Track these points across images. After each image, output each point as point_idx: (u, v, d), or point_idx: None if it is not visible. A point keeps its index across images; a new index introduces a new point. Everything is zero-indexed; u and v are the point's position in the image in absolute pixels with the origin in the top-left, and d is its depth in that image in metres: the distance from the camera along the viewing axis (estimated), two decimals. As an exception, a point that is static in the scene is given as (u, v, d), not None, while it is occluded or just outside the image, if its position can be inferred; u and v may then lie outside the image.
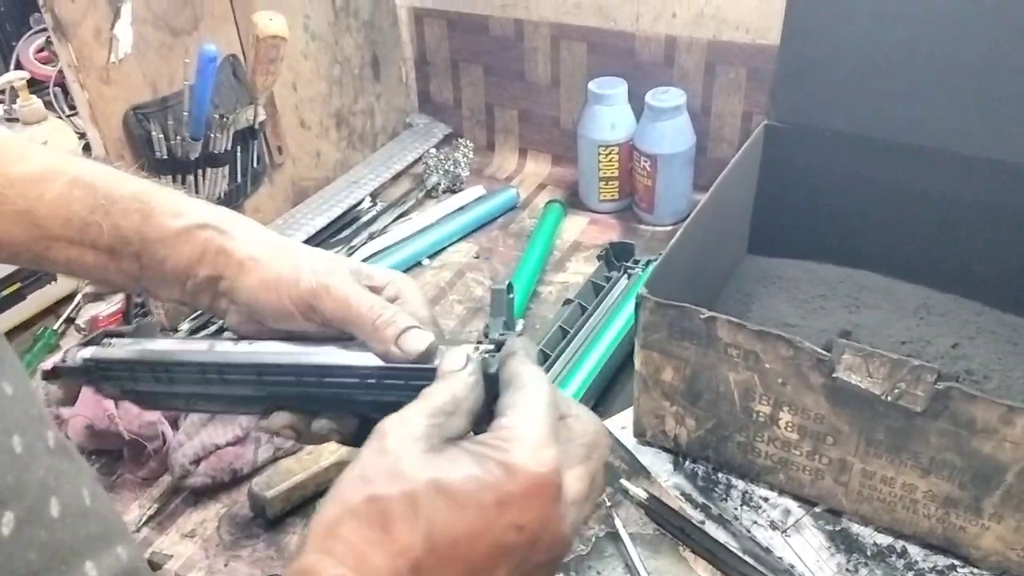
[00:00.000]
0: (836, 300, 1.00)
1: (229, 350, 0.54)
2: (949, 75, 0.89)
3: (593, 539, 0.77)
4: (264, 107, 1.05)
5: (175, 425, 0.87)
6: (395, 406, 0.42)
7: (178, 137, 0.95)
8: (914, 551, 0.75)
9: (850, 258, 1.04)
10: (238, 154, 1.03)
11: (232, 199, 1.05)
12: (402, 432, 0.40)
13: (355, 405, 0.52)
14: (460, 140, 1.32)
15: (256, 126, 1.04)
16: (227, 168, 1.02)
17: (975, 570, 0.73)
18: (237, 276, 0.54)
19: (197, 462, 0.83)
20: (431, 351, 0.48)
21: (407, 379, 0.48)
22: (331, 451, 0.83)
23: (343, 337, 0.53)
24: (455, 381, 0.43)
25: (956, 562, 0.74)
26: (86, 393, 0.85)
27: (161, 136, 0.94)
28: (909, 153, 0.95)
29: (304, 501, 0.82)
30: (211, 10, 1.00)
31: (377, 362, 0.49)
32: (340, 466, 0.83)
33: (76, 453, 0.35)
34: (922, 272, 1.00)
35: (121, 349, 0.57)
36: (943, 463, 0.69)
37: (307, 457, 0.83)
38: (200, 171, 0.99)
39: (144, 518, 0.83)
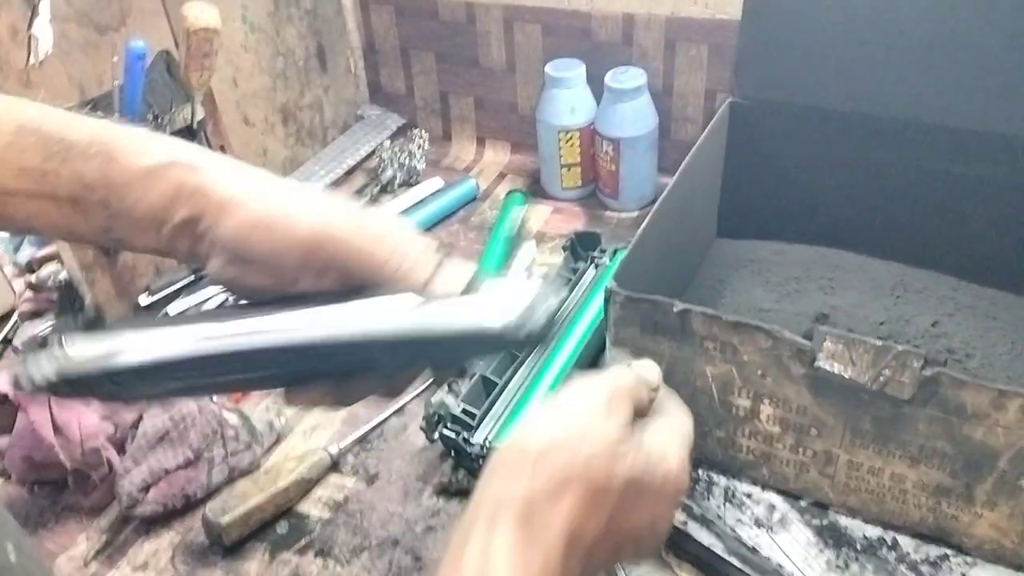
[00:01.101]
0: (810, 282, 0.97)
1: (244, 331, 0.46)
2: (916, 45, 0.86)
3: (571, 548, 0.73)
4: (203, 105, 0.99)
5: (121, 449, 0.82)
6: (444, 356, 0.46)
7: (110, 141, 0.88)
8: (905, 542, 0.72)
9: (823, 237, 1.00)
10: (177, 156, 0.97)
11: (174, 204, 0.99)
12: (614, 427, 0.44)
13: (395, 367, 0.49)
14: (414, 131, 1.26)
15: (195, 125, 0.98)
16: (166, 172, 0.96)
17: (968, 559, 0.70)
18: (218, 218, 0.48)
19: (146, 489, 0.78)
20: (474, 285, 0.46)
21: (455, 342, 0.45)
22: (289, 470, 0.78)
23: (346, 288, 0.46)
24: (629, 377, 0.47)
25: (949, 552, 0.71)
26: (21, 420, 0.80)
27: (91, 141, 0.88)
28: (879, 126, 0.92)
29: (263, 524, 0.77)
30: (140, 4, 0.93)
31: (420, 324, 0.44)
32: (300, 485, 0.79)
33: (38, 564, 0.31)
34: (897, 248, 0.97)
35: (132, 352, 0.47)
36: (933, 451, 0.66)
37: (264, 477, 0.78)
38: (137, 176, 0.93)
39: (93, 551, 0.77)
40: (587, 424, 0.42)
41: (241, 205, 0.48)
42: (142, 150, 0.48)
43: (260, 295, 0.52)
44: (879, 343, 0.64)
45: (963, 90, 0.86)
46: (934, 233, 0.95)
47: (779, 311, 0.91)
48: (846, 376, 0.66)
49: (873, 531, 0.73)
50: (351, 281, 0.47)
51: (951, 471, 0.66)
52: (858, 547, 0.72)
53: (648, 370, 0.49)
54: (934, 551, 0.71)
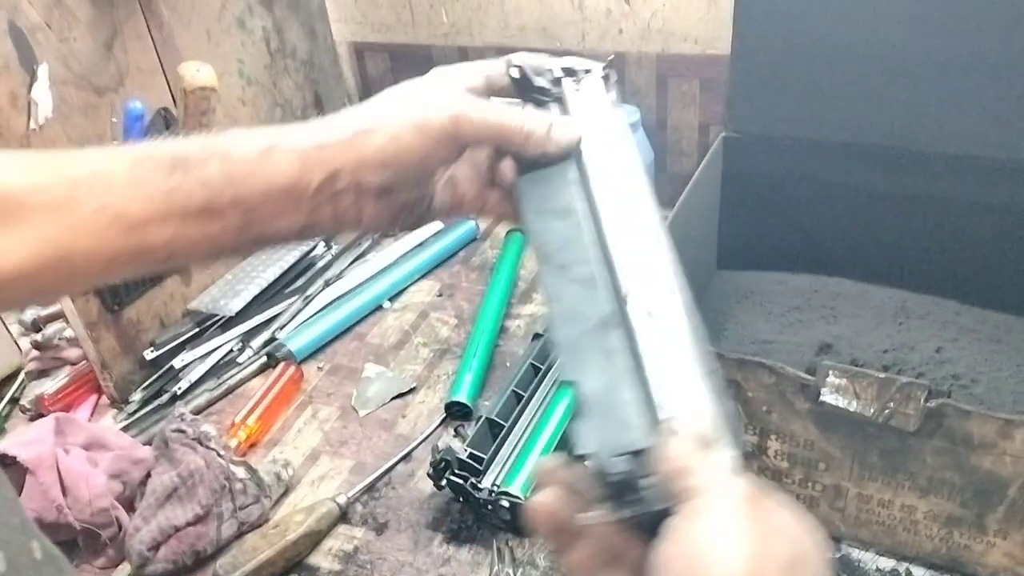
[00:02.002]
0: (812, 311, 0.97)
1: None
2: (907, 73, 0.87)
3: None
4: (202, 159, 1.00)
5: (131, 508, 0.82)
6: None
7: (111, 200, 0.89)
8: (919, 573, 0.72)
9: (822, 266, 1.01)
10: (178, 211, 0.98)
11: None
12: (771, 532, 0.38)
13: None
14: (413, 174, 1.27)
15: (195, 180, 0.99)
16: (167, 227, 0.97)
17: (984, 589, 0.70)
18: (356, 157, 0.49)
19: (157, 547, 0.78)
20: (577, 142, 0.50)
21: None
22: (298, 523, 0.78)
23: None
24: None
25: (964, 582, 0.70)
26: (30, 482, 0.80)
27: (93, 200, 0.89)
28: (873, 154, 0.92)
29: (273, 579, 0.77)
30: (137, 64, 0.95)
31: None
32: (310, 537, 0.78)
33: (65, 562, 0.31)
34: (897, 275, 0.97)
35: None
36: (942, 482, 0.66)
37: (273, 532, 0.78)
38: (139, 233, 0.94)
39: (104, 612, 0.77)
40: (744, 541, 0.36)
41: (366, 133, 0.50)
42: (251, 140, 0.49)
43: (414, 219, 0.55)
44: (883, 376, 0.64)
45: (955, 116, 0.87)
46: (934, 258, 0.96)
47: (782, 342, 0.92)
48: (851, 410, 0.65)
49: (887, 563, 0.73)
50: (497, 149, 0.52)
51: (961, 501, 0.66)
52: (872, 580, 0.72)
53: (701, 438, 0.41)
54: (949, 582, 0.71)
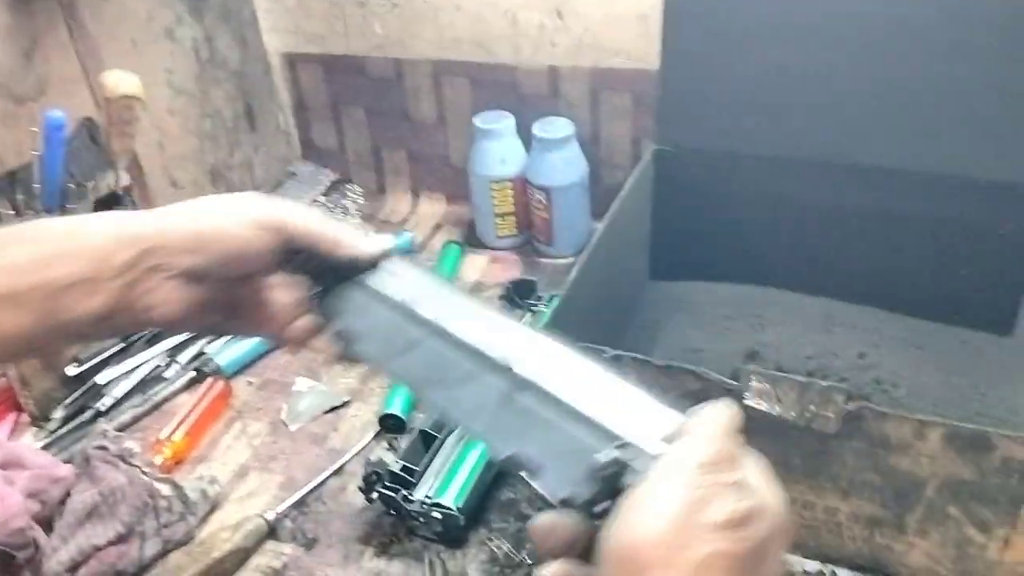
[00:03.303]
0: (741, 320, 0.98)
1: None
2: (833, 88, 0.89)
3: (516, 602, 0.73)
4: (128, 170, 0.98)
5: (49, 528, 0.79)
6: None
7: (30, 211, 0.87)
8: (844, 574, 0.73)
9: (752, 275, 1.03)
10: (102, 223, 0.96)
11: (100, 272, 0.97)
12: (722, 478, 0.38)
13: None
14: (348, 186, 1.27)
15: (120, 191, 0.97)
16: (91, 239, 0.94)
17: (906, 588, 0.71)
18: (167, 238, 0.49)
19: (75, 568, 0.75)
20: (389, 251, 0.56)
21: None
22: (224, 540, 0.76)
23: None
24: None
25: (886, 582, 0.72)
26: (-58, 505, 0.77)
27: (11, 212, 0.86)
28: (798, 167, 0.94)
29: (199, 598, 0.75)
30: (59, 74, 0.93)
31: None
32: (236, 555, 0.77)
33: None
34: (824, 284, 0.99)
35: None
36: (863, 483, 0.67)
37: (198, 550, 0.76)
38: (60, 245, 0.91)
39: (20, 638, 0.74)
40: (696, 498, 0.37)
41: (186, 216, 0.51)
42: (64, 221, 0.49)
43: (220, 323, 0.56)
44: (803, 380, 0.65)
45: (880, 129, 0.89)
46: (860, 268, 0.98)
47: (711, 350, 0.93)
48: (773, 413, 0.67)
49: (812, 565, 0.74)
50: (313, 257, 0.54)
51: (881, 501, 0.68)
52: (799, 583, 0.73)
53: (721, 414, 0.42)
54: (872, 582, 0.72)
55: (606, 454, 0.39)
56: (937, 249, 0.93)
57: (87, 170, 0.93)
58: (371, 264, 0.56)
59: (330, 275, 0.56)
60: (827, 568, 0.74)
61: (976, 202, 0.89)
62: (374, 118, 1.27)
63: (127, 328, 0.53)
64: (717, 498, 0.37)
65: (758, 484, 0.39)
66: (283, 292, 0.57)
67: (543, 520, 0.41)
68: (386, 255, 0.56)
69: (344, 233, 0.55)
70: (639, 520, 0.37)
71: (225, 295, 0.54)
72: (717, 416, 0.41)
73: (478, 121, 1.13)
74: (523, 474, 0.44)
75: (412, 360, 0.51)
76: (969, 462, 0.62)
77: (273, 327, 0.58)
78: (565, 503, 0.41)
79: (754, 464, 0.41)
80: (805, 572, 0.73)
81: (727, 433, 0.40)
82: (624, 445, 0.40)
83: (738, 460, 0.39)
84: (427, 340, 0.51)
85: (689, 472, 0.38)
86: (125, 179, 0.97)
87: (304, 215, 0.53)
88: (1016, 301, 0.92)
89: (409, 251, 1.20)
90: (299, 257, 0.55)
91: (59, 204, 0.89)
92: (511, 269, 1.16)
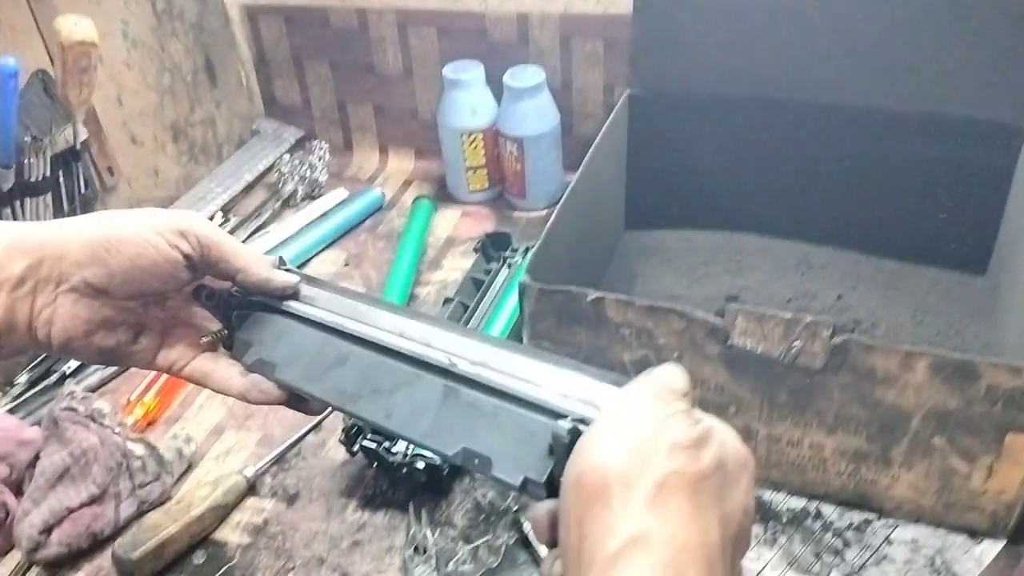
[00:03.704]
0: (718, 266, 0.98)
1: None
2: (806, 29, 0.88)
3: (503, 548, 0.72)
4: (86, 125, 0.94)
5: (19, 491, 0.77)
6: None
7: (-16, 167, 0.83)
8: (828, 511, 0.73)
9: (728, 222, 1.02)
10: (60, 180, 0.92)
11: (61, 230, 0.94)
12: (674, 404, 0.38)
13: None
14: (314, 142, 1.24)
15: (78, 147, 0.93)
16: (49, 196, 0.91)
17: (890, 521, 0.72)
18: (61, 247, 0.47)
19: (49, 530, 0.73)
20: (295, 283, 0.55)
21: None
22: (202, 497, 0.75)
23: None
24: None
25: (871, 516, 0.72)
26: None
27: (-36, 168, 0.83)
28: (774, 109, 0.94)
29: (178, 556, 0.73)
30: (8, 21, 0.88)
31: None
32: (216, 512, 0.75)
33: None
34: (799, 228, 0.99)
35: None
36: (848, 418, 0.68)
37: (176, 508, 0.74)
38: (18, 203, 0.88)
39: (-7, 603, 0.72)
40: (653, 424, 0.36)
41: (84, 226, 0.48)
42: None
43: (125, 345, 0.53)
44: (789, 316, 0.65)
45: (855, 69, 0.89)
46: (834, 211, 0.98)
47: (690, 296, 0.93)
48: (759, 351, 0.66)
49: (797, 503, 0.74)
50: (215, 266, 0.51)
51: (867, 435, 0.68)
52: (784, 520, 0.73)
53: (672, 375, 0.41)
54: (857, 516, 0.73)
55: (564, 424, 0.39)
56: (911, 190, 0.94)
57: (43, 125, 0.90)
58: (282, 292, 0.54)
59: (243, 307, 0.55)
60: (812, 505, 0.74)
61: (950, 141, 0.90)
62: (338, 72, 1.24)
63: (22, 346, 0.50)
64: (672, 421, 0.37)
65: (710, 417, 0.39)
66: (193, 322, 0.55)
67: (539, 510, 0.40)
68: (298, 285, 0.55)
69: (255, 254, 0.53)
70: (596, 446, 0.37)
71: (130, 316, 0.52)
72: (665, 370, 0.40)
73: (447, 71, 1.10)
74: (475, 469, 0.42)
75: (342, 375, 0.50)
76: (955, 392, 0.63)
77: (176, 360, 0.55)
78: (524, 488, 0.41)
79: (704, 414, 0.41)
80: (790, 510, 0.74)
81: (675, 388, 0.39)
82: (581, 419, 0.39)
83: (687, 400, 0.39)
84: (358, 353, 0.50)
85: (641, 402, 0.38)
86: (83, 134, 0.94)
87: (214, 227, 0.51)
88: (989, 240, 0.93)
89: (379, 208, 1.18)
90: (211, 280, 0.54)
91: (14, 159, 0.85)
92: (484, 223, 1.15)
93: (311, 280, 0.55)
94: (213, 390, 0.55)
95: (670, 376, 0.39)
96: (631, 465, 0.35)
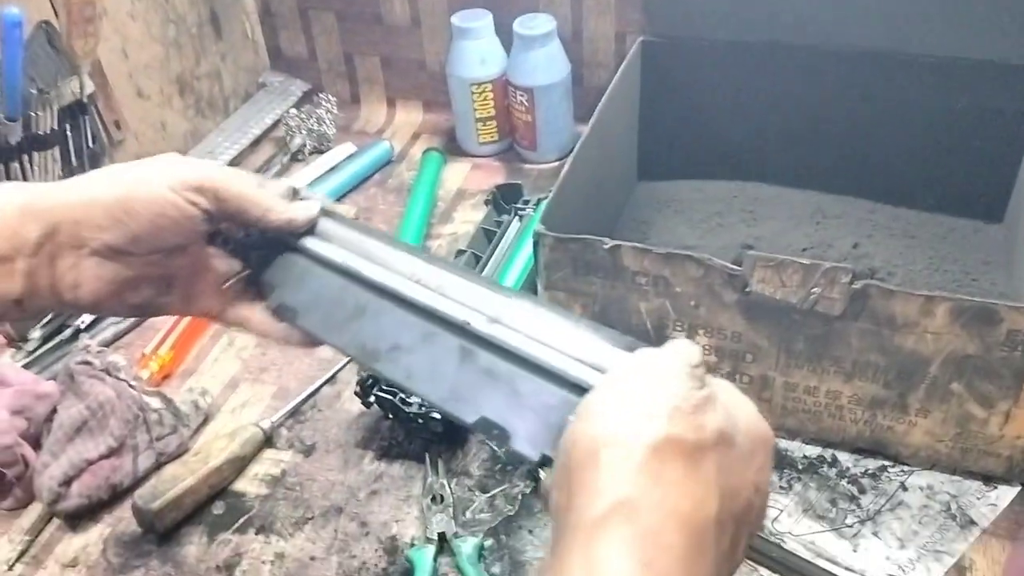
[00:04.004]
0: (732, 216, 0.97)
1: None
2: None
3: (519, 497, 0.73)
4: (91, 77, 0.93)
5: (37, 445, 0.77)
6: None
7: (-9, 121, 0.83)
8: (844, 458, 0.73)
9: (741, 172, 1.01)
10: (68, 133, 0.91)
11: (70, 185, 0.93)
12: (678, 368, 0.36)
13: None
14: (321, 95, 1.22)
15: (85, 99, 0.92)
16: (57, 150, 0.90)
17: (906, 468, 0.72)
18: (77, 210, 0.46)
19: (68, 482, 0.73)
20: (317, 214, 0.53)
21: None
22: (220, 449, 0.75)
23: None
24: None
25: (887, 462, 0.73)
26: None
27: (-29, 122, 0.82)
28: (789, 54, 0.92)
29: (198, 507, 0.74)
30: (10, -29, 0.87)
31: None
32: (233, 463, 0.75)
33: None
34: (814, 177, 0.98)
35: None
36: (866, 364, 0.67)
37: (194, 459, 0.74)
38: (26, 157, 0.87)
39: (16, 554, 0.73)
40: (654, 388, 0.35)
41: (94, 183, 0.47)
42: None
43: (154, 300, 0.53)
44: (808, 262, 0.64)
45: (872, 12, 0.87)
46: (849, 159, 0.97)
47: (704, 246, 0.92)
48: (778, 298, 0.66)
49: (813, 450, 0.74)
50: (235, 217, 0.51)
51: (884, 382, 0.68)
52: (799, 467, 0.73)
53: (683, 349, 0.38)
54: (872, 463, 0.73)
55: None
56: (927, 137, 0.93)
57: (48, 77, 0.89)
58: (305, 229, 0.53)
59: (262, 247, 0.54)
60: (827, 452, 0.74)
61: (967, 86, 0.88)
62: (345, 23, 1.22)
63: (48, 308, 0.50)
64: (675, 386, 0.35)
65: (725, 389, 0.37)
66: (219, 264, 0.55)
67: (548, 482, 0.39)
68: (318, 217, 0.53)
69: (274, 197, 0.51)
70: (592, 409, 0.35)
71: (156, 269, 0.51)
72: (678, 342, 0.38)
73: (455, 20, 1.09)
74: (493, 440, 0.42)
75: (362, 327, 0.49)
76: (974, 337, 0.62)
77: (212, 306, 0.55)
78: (543, 463, 0.40)
79: (724, 384, 0.38)
80: (806, 457, 0.74)
81: (687, 359, 0.36)
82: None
83: (699, 369, 0.37)
84: (375, 304, 0.49)
85: (646, 367, 0.36)
86: (90, 86, 0.93)
87: (230, 175, 0.50)
88: (1006, 188, 0.92)
89: (389, 161, 1.17)
90: (228, 226, 0.52)
91: (21, 112, 0.84)
92: (494, 176, 1.14)
93: (327, 213, 0.54)
94: (256, 335, 0.55)
95: (682, 348, 0.37)
96: (626, 429, 0.34)
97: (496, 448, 0.42)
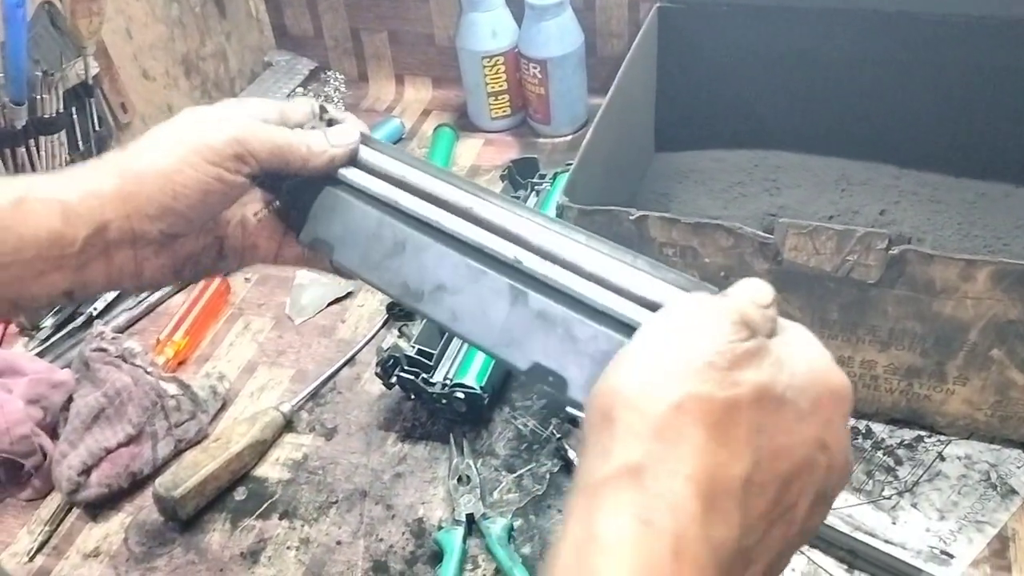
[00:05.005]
0: (754, 185, 0.95)
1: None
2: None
3: (547, 476, 0.71)
4: (96, 59, 0.91)
5: (54, 434, 0.76)
6: None
7: (-3, 104, 0.81)
8: (879, 429, 0.72)
9: (761, 140, 0.99)
10: (74, 116, 0.89)
11: (78, 170, 0.91)
12: (719, 320, 0.32)
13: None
14: (328, 73, 1.20)
15: (90, 81, 0.90)
16: (64, 134, 0.88)
17: (943, 438, 0.70)
18: (126, 206, 0.45)
19: (87, 471, 0.72)
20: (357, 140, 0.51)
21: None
22: (241, 434, 0.74)
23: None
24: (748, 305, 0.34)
25: (923, 433, 0.71)
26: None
27: (-24, 106, 0.80)
28: (808, 16, 0.90)
29: (220, 493, 0.72)
30: (10, -50, 0.84)
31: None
32: (254, 448, 0.74)
33: None
34: (836, 143, 0.96)
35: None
36: (903, 332, 0.65)
37: (214, 445, 0.73)
38: (32, 141, 0.85)
39: (36, 544, 0.72)
40: (691, 339, 0.32)
41: (138, 175, 0.46)
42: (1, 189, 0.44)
43: (213, 264, 0.53)
44: (842, 228, 0.62)
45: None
46: (873, 123, 0.94)
47: (728, 216, 0.89)
48: (811, 265, 0.64)
49: (847, 422, 0.73)
50: (278, 171, 0.49)
51: (922, 350, 0.66)
52: (834, 439, 0.71)
53: (751, 288, 0.35)
54: (908, 434, 0.71)
55: None
56: (952, 99, 0.90)
57: (53, 59, 0.87)
58: (348, 162, 0.51)
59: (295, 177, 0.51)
60: (861, 423, 0.72)
61: (992, 45, 0.85)
62: (351, -2, 1.19)
63: (98, 294, 0.49)
64: (714, 333, 0.32)
65: (789, 338, 0.34)
66: (256, 206, 0.54)
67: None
68: (358, 147, 0.51)
69: (313, 140, 0.50)
70: (621, 362, 0.33)
71: (208, 238, 0.52)
72: (743, 287, 0.35)
73: (464, -10, 1.06)
74: (549, 387, 0.39)
75: (403, 265, 0.46)
76: (1016, 301, 0.60)
77: (267, 252, 0.55)
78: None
79: (796, 334, 0.35)
80: (839, 429, 0.72)
81: (738, 308, 0.33)
82: None
83: (758, 313, 0.33)
84: (416, 239, 0.46)
85: (688, 312, 0.33)
86: (95, 68, 0.91)
87: (266, 133, 0.48)
88: (1036, 149, 0.89)
89: (400, 139, 1.15)
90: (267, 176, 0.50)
91: (27, 95, 0.82)
92: (507, 151, 1.11)
93: (364, 139, 0.52)
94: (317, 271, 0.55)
95: (745, 290, 0.34)
96: (650, 385, 0.31)
97: (553, 393, 0.39)
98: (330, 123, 0.53)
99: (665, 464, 0.29)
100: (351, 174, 0.51)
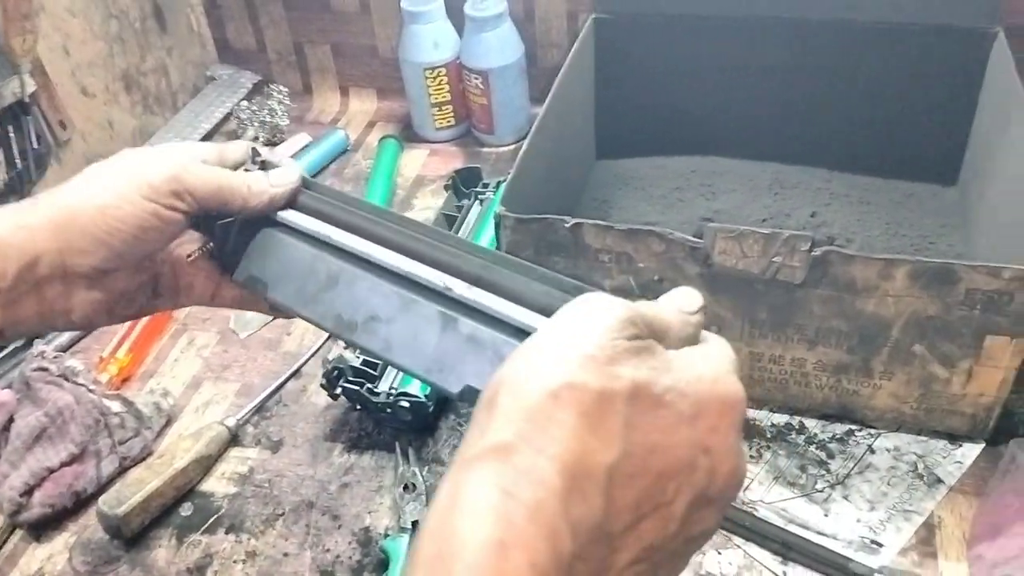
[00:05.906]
0: (691, 191, 0.97)
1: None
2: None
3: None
4: (33, 77, 0.90)
5: (-5, 456, 0.75)
6: None
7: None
8: (812, 424, 0.74)
9: (700, 146, 1.01)
10: (10, 135, 0.89)
11: (15, 188, 0.90)
12: (606, 318, 0.33)
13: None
14: (272, 87, 1.20)
15: (27, 99, 0.89)
16: (0, 153, 0.87)
17: (872, 431, 0.73)
18: (58, 239, 0.45)
19: (30, 492, 0.72)
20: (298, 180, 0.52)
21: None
22: (185, 449, 0.74)
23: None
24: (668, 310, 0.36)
25: (853, 427, 0.73)
26: None
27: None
28: (739, 27, 0.92)
29: (165, 510, 0.72)
30: (-60, -31, 0.84)
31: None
32: (199, 463, 0.74)
33: None
34: (771, 148, 0.99)
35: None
36: (829, 331, 0.68)
37: (159, 462, 0.73)
38: (-33, 161, 0.85)
39: (-22, 568, 0.71)
40: (577, 335, 0.33)
41: (72, 209, 0.46)
42: None
43: (149, 303, 0.53)
44: (767, 231, 0.64)
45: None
46: (805, 129, 0.97)
47: (665, 222, 0.92)
48: (739, 268, 0.66)
49: (780, 418, 0.75)
50: (215, 210, 0.50)
51: (848, 347, 0.68)
52: (768, 436, 0.74)
53: (679, 296, 0.37)
54: (840, 428, 0.74)
55: None
56: (881, 104, 0.93)
57: (-14, 78, 0.86)
58: (286, 204, 0.51)
59: (219, 216, 0.52)
60: (795, 420, 0.75)
61: (918, 50, 0.89)
62: (293, 11, 1.20)
63: (31, 333, 0.49)
64: (598, 329, 0.32)
65: (692, 351, 0.35)
66: (191, 246, 0.54)
67: None
68: (299, 189, 0.52)
69: (252, 180, 0.50)
70: (512, 357, 0.33)
71: (143, 276, 0.52)
72: (679, 292, 0.37)
73: (405, 4, 1.07)
74: None
75: (336, 297, 0.47)
76: (934, 298, 0.63)
77: (203, 292, 0.55)
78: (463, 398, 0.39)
79: (704, 347, 0.36)
80: (774, 426, 0.74)
81: (621, 315, 0.33)
82: None
83: (682, 320, 0.35)
84: (349, 271, 0.47)
85: (575, 310, 0.34)
86: (31, 86, 0.90)
87: (206, 172, 0.48)
88: (958, 150, 0.93)
89: (345, 150, 1.16)
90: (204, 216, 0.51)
91: (-40, 115, 0.82)
92: (452, 161, 1.13)
93: (308, 186, 0.53)
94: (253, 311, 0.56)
95: (679, 296, 0.36)
96: (531, 373, 0.32)
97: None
98: (263, 165, 0.54)
99: (533, 444, 0.30)
100: (288, 215, 0.51)
